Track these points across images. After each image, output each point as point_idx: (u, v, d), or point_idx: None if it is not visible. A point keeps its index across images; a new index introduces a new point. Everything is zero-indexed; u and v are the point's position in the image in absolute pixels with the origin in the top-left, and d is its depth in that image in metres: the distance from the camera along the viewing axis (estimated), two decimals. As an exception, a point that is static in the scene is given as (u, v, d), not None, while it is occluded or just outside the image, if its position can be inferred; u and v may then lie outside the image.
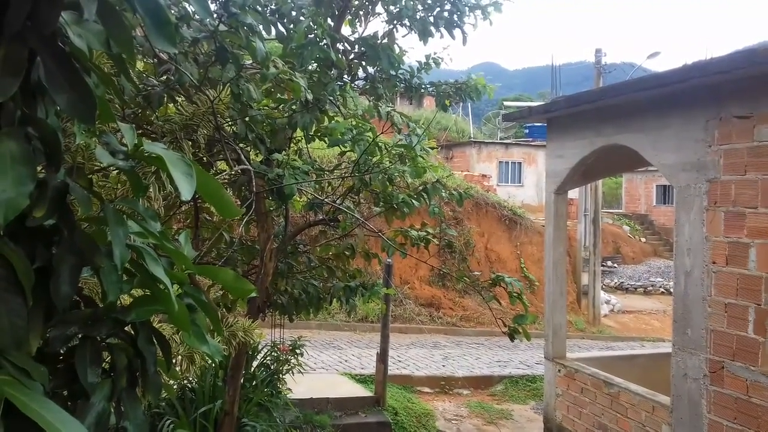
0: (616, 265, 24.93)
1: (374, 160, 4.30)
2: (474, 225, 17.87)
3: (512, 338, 4.14)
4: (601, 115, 6.28)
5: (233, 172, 3.80)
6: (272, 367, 6.76)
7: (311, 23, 4.04)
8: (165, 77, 3.34)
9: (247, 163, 3.81)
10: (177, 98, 3.55)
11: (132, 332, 1.44)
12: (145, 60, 3.55)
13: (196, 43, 3.25)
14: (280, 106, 4.20)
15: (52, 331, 1.28)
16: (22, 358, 1.10)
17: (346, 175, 4.59)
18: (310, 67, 4.18)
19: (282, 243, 4.65)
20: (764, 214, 4.53)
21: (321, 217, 4.88)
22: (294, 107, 3.97)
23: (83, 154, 2.20)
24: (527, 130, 32.01)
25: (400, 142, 4.32)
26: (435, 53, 4.93)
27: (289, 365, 6.84)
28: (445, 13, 4.55)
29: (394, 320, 12.61)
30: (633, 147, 5.84)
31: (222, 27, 3.12)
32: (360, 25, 4.74)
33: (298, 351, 6.95)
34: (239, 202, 4.13)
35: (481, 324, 15.59)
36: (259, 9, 3.71)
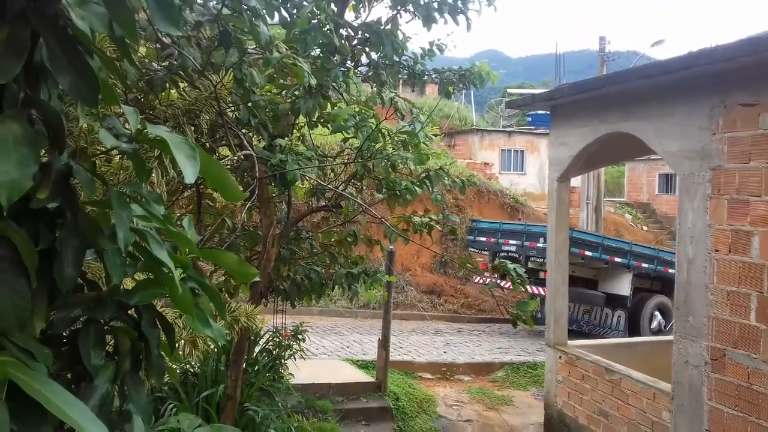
0: (617, 253, 24.83)
1: (377, 146, 4.29)
2: (476, 213, 17.87)
3: (515, 324, 4.14)
4: (605, 103, 6.25)
5: (236, 158, 3.80)
6: (274, 353, 6.79)
7: (315, 8, 4.01)
8: (168, 62, 3.33)
9: (250, 149, 3.80)
10: (180, 83, 3.53)
11: (136, 315, 1.44)
12: (147, 45, 3.53)
13: (199, 26, 3.24)
14: (283, 92, 4.18)
15: (56, 314, 1.28)
16: (26, 339, 1.10)
17: (349, 161, 4.58)
18: (313, 53, 4.16)
19: (284, 229, 4.65)
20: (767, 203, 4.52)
21: (324, 204, 4.88)
22: (297, 93, 3.96)
23: (86, 137, 2.19)
24: (530, 118, 31.86)
25: (403, 129, 4.30)
26: (439, 40, 4.90)
27: (291, 350, 6.87)
28: (449, -1, 4.52)
29: (395, 307, 12.61)
30: (637, 135, 5.81)
31: (225, 11, 3.10)
32: (363, 11, 4.71)
33: (300, 336, 6.97)
34: (242, 188, 4.12)
35: (482, 311, 15.64)
36: (263, -7, 3.68)
